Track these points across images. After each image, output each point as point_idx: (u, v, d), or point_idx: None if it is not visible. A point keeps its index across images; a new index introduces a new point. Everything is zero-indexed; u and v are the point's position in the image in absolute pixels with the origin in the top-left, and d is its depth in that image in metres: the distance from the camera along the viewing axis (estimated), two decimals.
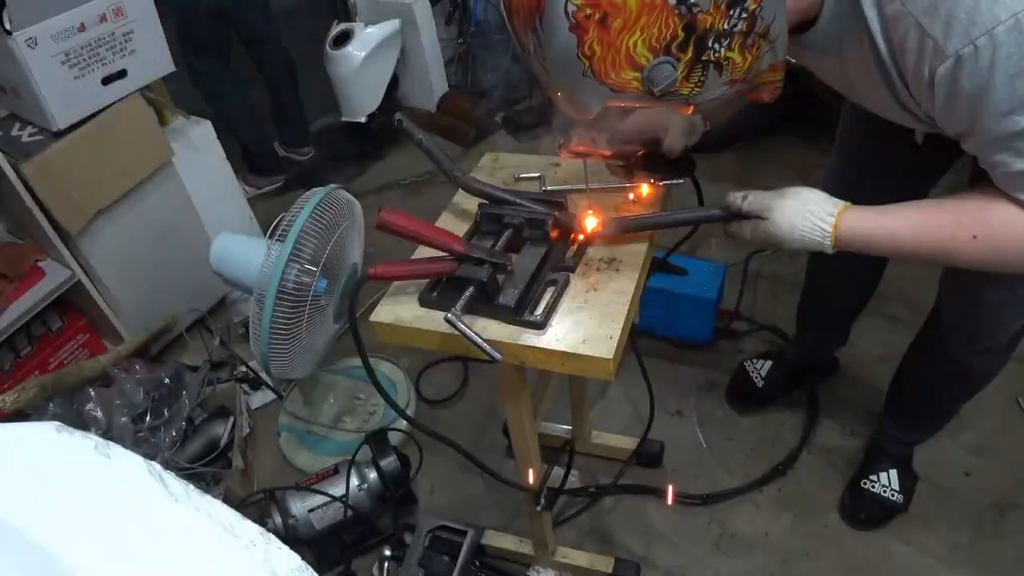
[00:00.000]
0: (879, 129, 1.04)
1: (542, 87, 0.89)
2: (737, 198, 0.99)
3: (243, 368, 2.12)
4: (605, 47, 0.77)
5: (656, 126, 1.12)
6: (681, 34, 0.76)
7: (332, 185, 1.54)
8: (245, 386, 2.11)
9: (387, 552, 1.63)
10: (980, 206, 0.88)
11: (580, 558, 1.61)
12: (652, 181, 1.15)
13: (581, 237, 1.09)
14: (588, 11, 0.75)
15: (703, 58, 0.79)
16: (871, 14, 0.81)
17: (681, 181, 1.14)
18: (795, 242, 0.94)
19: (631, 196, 1.17)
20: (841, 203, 0.93)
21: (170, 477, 0.55)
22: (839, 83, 1.00)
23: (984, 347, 1.34)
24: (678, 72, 0.79)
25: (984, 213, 0.87)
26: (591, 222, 1.07)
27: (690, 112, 0.97)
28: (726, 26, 0.77)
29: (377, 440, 1.75)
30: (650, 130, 1.12)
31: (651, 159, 1.13)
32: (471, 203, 1.19)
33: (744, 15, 0.77)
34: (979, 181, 0.90)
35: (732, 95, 0.88)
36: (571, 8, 0.75)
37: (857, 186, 1.44)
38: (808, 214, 0.92)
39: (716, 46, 0.78)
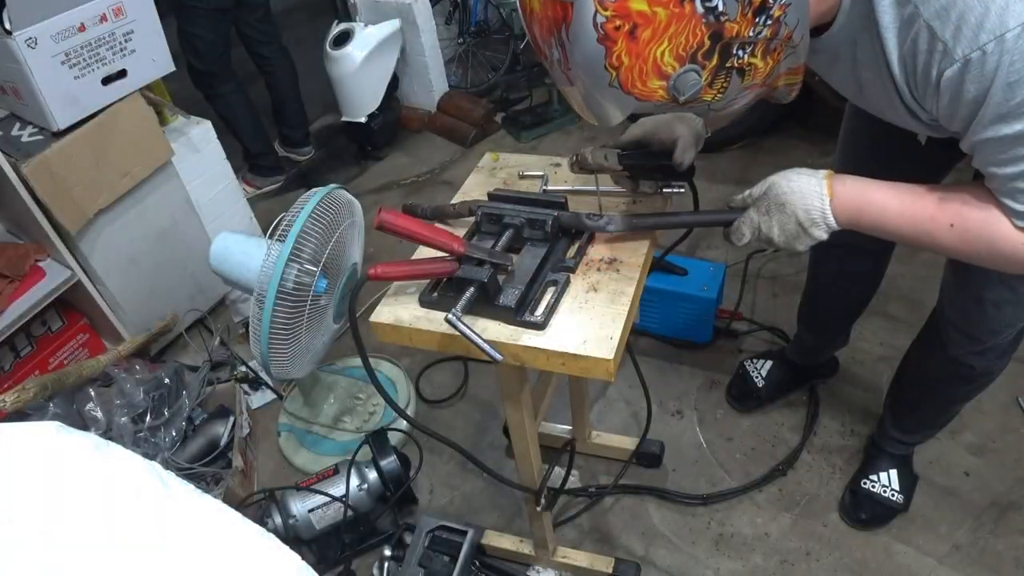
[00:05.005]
0: (883, 128, 1.04)
1: (563, 96, 0.89)
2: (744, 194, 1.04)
3: (243, 368, 2.12)
4: (633, 58, 0.76)
5: (660, 135, 1.11)
6: (707, 42, 0.76)
7: (332, 185, 1.54)
8: (245, 386, 2.11)
9: (387, 552, 1.63)
10: (965, 200, 0.92)
11: (580, 558, 1.61)
12: (655, 188, 1.15)
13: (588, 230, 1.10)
14: (618, 23, 0.74)
15: (727, 65, 0.79)
16: (884, 19, 0.82)
17: (683, 189, 1.14)
18: (794, 195, 0.97)
19: (633, 201, 1.18)
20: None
21: (170, 477, 0.55)
22: (848, 87, 1.00)
23: (985, 347, 1.34)
24: (703, 79, 0.79)
25: (965, 208, 0.92)
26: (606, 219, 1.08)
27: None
28: (751, 33, 0.77)
29: (377, 440, 1.75)
30: (655, 140, 1.12)
31: (653, 165, 1.13)
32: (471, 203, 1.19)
33: (769, 22, 0.77)
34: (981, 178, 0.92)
35: (751, 100, 0.89)
36: (600, 19, 0.74)
37: None
38: (803, 172, 0.99)
39: (740, 52, 0.78)
